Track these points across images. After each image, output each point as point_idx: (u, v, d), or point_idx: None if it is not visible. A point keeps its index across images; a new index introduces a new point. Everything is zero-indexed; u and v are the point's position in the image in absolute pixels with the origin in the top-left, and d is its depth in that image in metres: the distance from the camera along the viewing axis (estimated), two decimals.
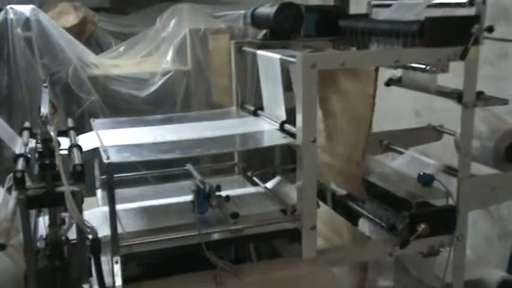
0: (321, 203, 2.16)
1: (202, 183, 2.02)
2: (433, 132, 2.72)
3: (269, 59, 2.19)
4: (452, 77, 2.03)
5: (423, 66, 2.02)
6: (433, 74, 2.06)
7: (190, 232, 1.89)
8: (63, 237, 1.71)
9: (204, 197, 1.99)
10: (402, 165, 2.41)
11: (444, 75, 2.03)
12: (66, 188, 1.55)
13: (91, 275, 1.71)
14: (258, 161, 2.64)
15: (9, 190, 1.78)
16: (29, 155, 1.83)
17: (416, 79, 2.19)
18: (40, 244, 1.70)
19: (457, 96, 2.05)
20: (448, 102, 2.13)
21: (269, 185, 2.42)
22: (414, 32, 2.00)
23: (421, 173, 2.16)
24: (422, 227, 2.01)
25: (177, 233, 1.89)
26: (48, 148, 1.72)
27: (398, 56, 1.98)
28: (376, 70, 1.91)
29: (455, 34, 1.95)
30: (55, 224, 1.70)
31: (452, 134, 2.45)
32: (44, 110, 1.91)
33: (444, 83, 2.15)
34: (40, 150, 1.75)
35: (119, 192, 1.96)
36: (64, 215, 1.70)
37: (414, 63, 2.05)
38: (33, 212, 1.85)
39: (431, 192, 2.11)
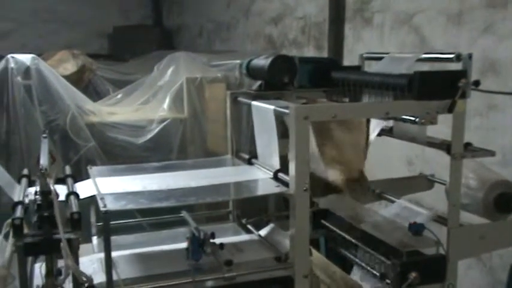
0: (313, 250, 2.19)
1: (197, 230, 2.05)
2: (424, 181, 2.76)
3: (263, 110, 2.25)
4: (444, 127, 2.09)
5: (413, 118, 2.08)
6: (422, 126, 2.11)
7: (185, 279, 1.91)
8: None
9: (198, 244, 2.02)
10: (394, 214, 2.44)
11: (436, 125, 2.09)
12: (62, 236, 1.58)
13: None
14: (252, 208, 2.68)
15: (6, 236, 1.80)
16: (26, 201, 1.87)
17: (406, 130, 2.25)
18: None
19: (446, 147, 2.10)
20: (439, 152, 2.18)
21: (263, 232, 2.45)
22: (403, 85, 2.07)
23: (412, 222, 2.19)
24: (413, 275, 2.03)
25: (171, 281, 1.91)
26: (47, 200, 1.74)
27: (388, 109, 2.04)
28: (368, 122, 1.97)
29: (443, 88, 2.02)
30: (51, 274, 1.72)
31: (444, 183, 2.49)
32: (43, 161, 1.94)
33: (436, 133, 2.21)
34: (39, 202, 1.77)
35: (114, 239, 1.99)
36: (61, 266, 1.73)
37: (404, 115, 2.11)
38: (29, 258, 1.88)
39: (422, 241, 2.13)
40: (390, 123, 2.40)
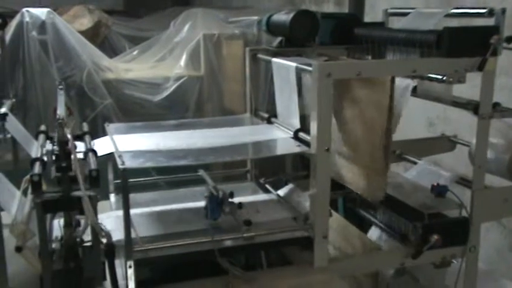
0: (332, 211, 2.16)
1: (215, 189, 2.03)
2: (446, 143, 2.71)
3: (285, 67, 2.19)
4: (467, 87, 2.02)
5: (439, 77, 2.01)
6: (449, 85, 2.04)
7: (203, 238, 1.90)
8: (78, 239, 1.72)
9: (217, 204, 2.00)
10: (415, 175, 2.40)
11: (458, 84, 2.02)
12: (83, 193, 1.56)
13: (105, 279, 1.72)
14: (271, 168, 2.64)
15: (24, 192, 1.79)
16: (45, 158, 1.85)
17: (431, 89, 2.18)
18: (55, 245, 1.72)
19: (473, 107, 2.04)
20: (462, 112, 2.11)
21: (281, 192, 2.42)
22: (431, 42, 1.99)
23: (435, 184, 2.15)
24: (435, 238, 2.00)
25: (190, 239, 1.89)
26: (64, 151, 1.72)
27: (415, 66, 1.97)
28: (392, 80, 1.90)
29: (473, 45, 1.95)
30: (70, 225, 1.72)
31: (467, 144, 2.43)
32: (60, 111, 1.92)
33: (458, 93, 2.14)
34: (56, 153, 1.75)
35: (132, 196, 1.96)
36: (79, 217, 1.71)
37: (431, 73, 2.04)
38: (48, 214, 1.86)
39: (445, 203, 2.10)
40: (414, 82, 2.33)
